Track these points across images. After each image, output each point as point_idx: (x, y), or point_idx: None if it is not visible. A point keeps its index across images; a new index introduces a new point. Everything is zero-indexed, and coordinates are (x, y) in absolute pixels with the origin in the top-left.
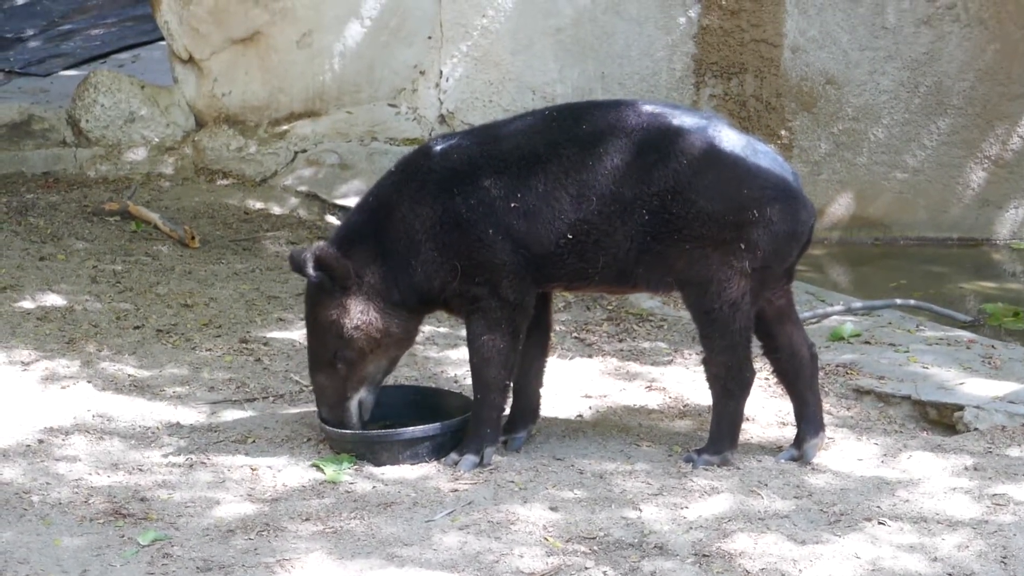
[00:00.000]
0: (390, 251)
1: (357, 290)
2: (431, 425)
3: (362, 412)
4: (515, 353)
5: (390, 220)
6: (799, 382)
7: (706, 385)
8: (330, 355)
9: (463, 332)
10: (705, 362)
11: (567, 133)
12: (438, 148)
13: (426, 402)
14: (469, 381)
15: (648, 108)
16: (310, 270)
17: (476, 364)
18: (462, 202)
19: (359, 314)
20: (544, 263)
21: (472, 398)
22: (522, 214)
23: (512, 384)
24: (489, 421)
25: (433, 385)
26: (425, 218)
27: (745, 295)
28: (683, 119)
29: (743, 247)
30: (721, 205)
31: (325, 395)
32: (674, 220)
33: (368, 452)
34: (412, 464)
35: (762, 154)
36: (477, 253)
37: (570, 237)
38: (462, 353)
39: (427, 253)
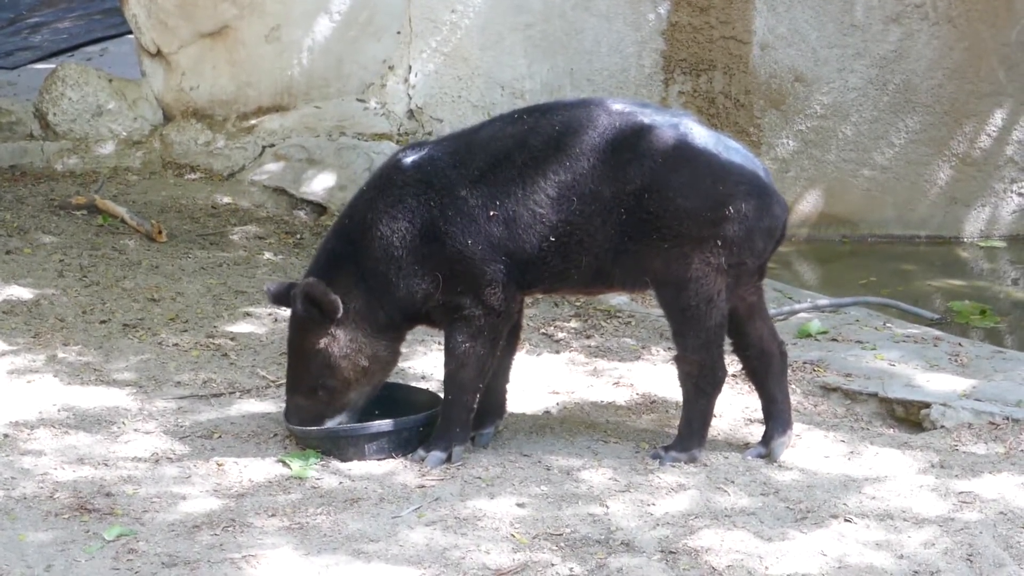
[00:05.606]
0: (371, 271)
1: (344, 319)
2: (396, 419)
3: None
4: (493, 358)
5: (368, 239)
6: (768, 379)
7: (675, 382)
8: (313, 382)
9: (431, 329)
10: (678, 359)
11: (540, 135)
12: (409, 160)
13: (392, 397)
14: (437, 376)
15: (618, 106)
16: (299, 306)
17: (453, 368)
18: (440, 214)
19: (348, 342)
20: (527, 267)
21: (441, 395)
22: (503, 221)
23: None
24: (459, 421)
25: (400, 380)
26: (403, 232)
27: (720, 292)
28: (654, 117)
29: (719, 244)
30: (697, 202)
31: (301, 418)
32: (651, 219)
33: (333, 447)
34: (377, 459)
35: (733, 150)
36: (458, 264)
37: (553, 240)
38: (428, 348)
39: (408, 267)
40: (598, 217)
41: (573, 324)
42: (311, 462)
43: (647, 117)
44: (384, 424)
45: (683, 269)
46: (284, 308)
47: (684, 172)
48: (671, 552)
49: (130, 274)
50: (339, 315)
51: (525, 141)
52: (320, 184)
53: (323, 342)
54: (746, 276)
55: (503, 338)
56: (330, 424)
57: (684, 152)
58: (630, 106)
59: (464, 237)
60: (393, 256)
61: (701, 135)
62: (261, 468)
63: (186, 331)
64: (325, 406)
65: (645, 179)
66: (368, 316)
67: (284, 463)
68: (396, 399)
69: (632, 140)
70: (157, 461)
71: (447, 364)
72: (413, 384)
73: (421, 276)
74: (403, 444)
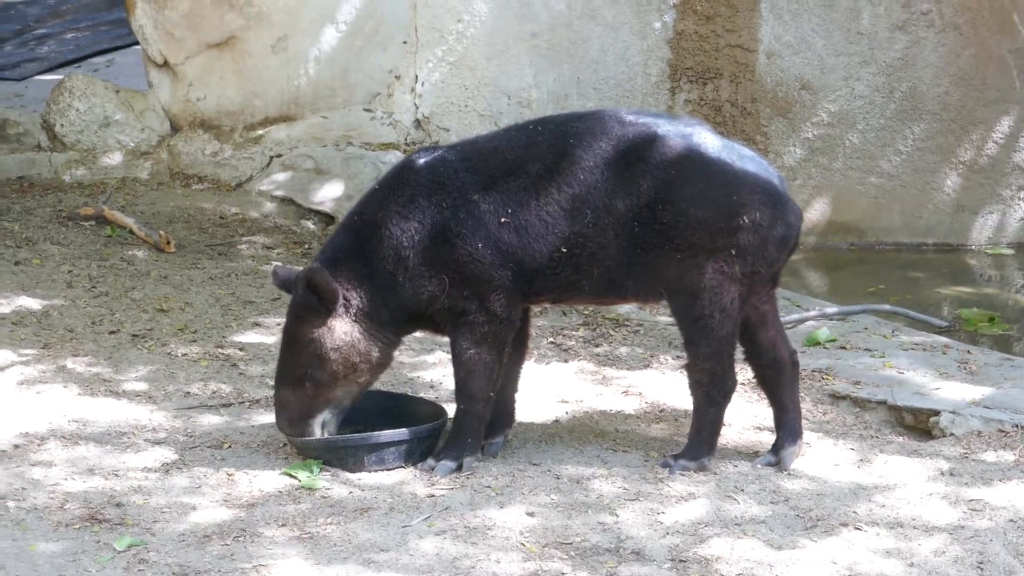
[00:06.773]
0: (378, 269)
1: (344, 312)
2: (396, 431)
3: (324, 434)
4: (500, 366)
5: (377, 237)
6: (779, 388)
7: (684, 390)
8: (302, 372)
9: (439, 337)
10: (688, 368)
11: (553, 146)
12: (423, 161)
13: (399, 408)
14: (446, 385)
15: (631, 117)
16: (299, 292)
17: (462, 377)
18: (451, 216)
19: (343, 336)
20: (536, 277)
21: (446, 406)
22: (513, 229)
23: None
24: (471, 431)
25: (409, 390)
26: (413, 232)
27: (734, 301)
28: (667, 128)
29: (733, 253)
30: (712, 212)
31: (288, 410)
32: (665, 230)
33: (333, 457)
34: (378, 470)
35: (747, 159)
36: (466, 268)
37: (565, 250)
38: (438, 357)
39: (415, 268)
40: (611, 230)
41: (581, 333)
42: (316, 472)
43: (660, 127)
44: (384, 435)
45: (697, 279)
46: (287, 293)
47: (698, 182)
48: (681, 561)
49: (139, 284)
50: (337, 305)
51: (539, 151)
52: (327, 194)
53: (318, 331)
54: (759, 285)
55: (508, 345)
56: (315, 422)
57: (697, 162)
58: (643, 116)
59: (475, 241)
60: (401, 256)
61: (714, 145)
62: (271, 478)
63: (195, 341)
64: (310, 399)
65: (659, 190)
66: (370, 314)
67: (289, 475)
68: (401, 411)
69: (645, 151)
70: (167, 471)
71: (456, 373)
72: (422, 394)
73: (428, 277)
74: (405, 455)
